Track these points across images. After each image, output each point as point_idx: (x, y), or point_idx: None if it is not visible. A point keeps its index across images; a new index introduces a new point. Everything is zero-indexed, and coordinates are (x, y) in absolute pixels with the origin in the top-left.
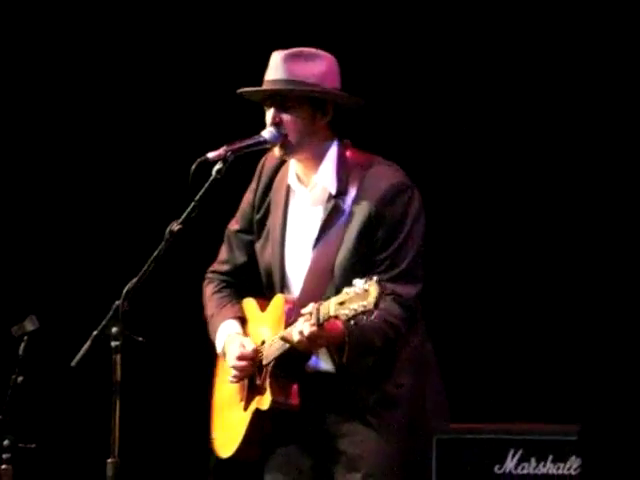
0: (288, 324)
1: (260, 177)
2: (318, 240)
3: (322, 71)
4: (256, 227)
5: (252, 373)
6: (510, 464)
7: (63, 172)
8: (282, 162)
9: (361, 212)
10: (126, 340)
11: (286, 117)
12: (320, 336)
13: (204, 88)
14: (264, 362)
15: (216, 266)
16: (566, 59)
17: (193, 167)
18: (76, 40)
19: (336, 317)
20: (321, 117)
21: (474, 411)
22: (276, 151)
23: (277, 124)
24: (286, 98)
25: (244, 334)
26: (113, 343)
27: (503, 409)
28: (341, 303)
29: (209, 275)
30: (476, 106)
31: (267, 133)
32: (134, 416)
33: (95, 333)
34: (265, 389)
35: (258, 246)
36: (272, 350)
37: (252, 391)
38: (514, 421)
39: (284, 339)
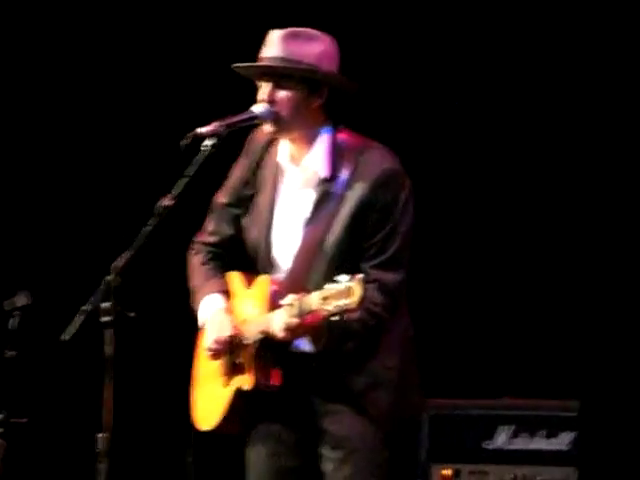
0: (272, 306)
1: (249, 153)
2: (309, 221)
3: (319, 52)
4: (245, 203)
5: (231, 350)
6: (501, 440)
7: (54, 148)
8: (272, 139)
9: (354, 197)
10: (117, 315)
11: (280, 95)
12: (300, 327)
13: (196, 64)
14: (244, 342)
15: (203, 237)
16: (567, 57)
17: (184, 142)
18: (68, 15)
19: (318, 311)
20: (315, 99)
21: (466, 387)
22: (267, 128)
23: (271, 101)
24: (282, 76)
25: (228, 309)
26: (104, 318)
27: (494, 385)
28: (325, 298)
29: (196, 245)
30: (474, 98)
31: (258, 108)
32: (125, 391)
33: (85, 308)
34: (246, 369)
35: (246, 221)
36: (254, 332)
37: (233, 368)
38: (505, 397)
39: (263, 333)
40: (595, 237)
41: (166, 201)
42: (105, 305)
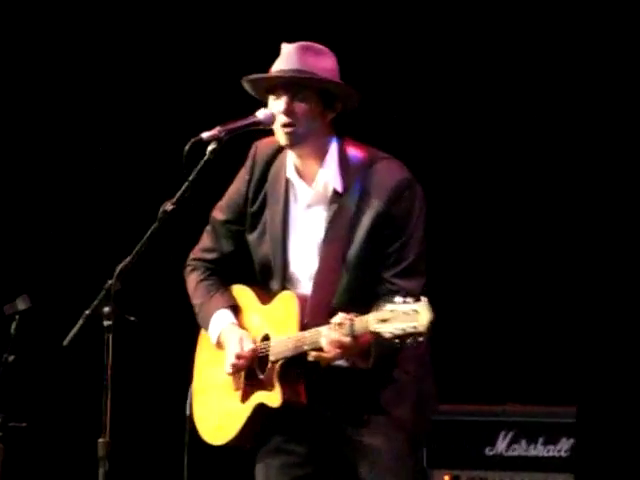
0: (302, 324)
1: (253, 168)
2: (325, 238)
3: (332, 67)
4: (250, 220)
5: (251, 366)
6: (501, 446)
7: (56, 152)
8: (276, 152)
9: (370, 210)
10: (118, 320)
11: (299, 107)
12: (352, 347)
13: (199, 69)
14: (271, 358)
15: (199, 254)
16: (566, 59)
17: (187, 147)
18: (72, 18)
19: (376, 333)
20: (329, 112)
21: (466, 393)
22: (282, 140)
23: (289, 113)
24: (301, 88)
25: (239, 324)
26: (105, 322)
27: (494, 391)
28: (383, 320)
29: (192, 263)
30: (475, 104)
31: (261, 114)
32: (126, 395)
33: (87, 312)
34: (273, 386)
35: (252, 238)
36: (282, 349)
37: (252, 384)
38: (505, 403)
39: (316, 357)
40: (593, 246)
41: (167, 206)
42: (106, 309)
